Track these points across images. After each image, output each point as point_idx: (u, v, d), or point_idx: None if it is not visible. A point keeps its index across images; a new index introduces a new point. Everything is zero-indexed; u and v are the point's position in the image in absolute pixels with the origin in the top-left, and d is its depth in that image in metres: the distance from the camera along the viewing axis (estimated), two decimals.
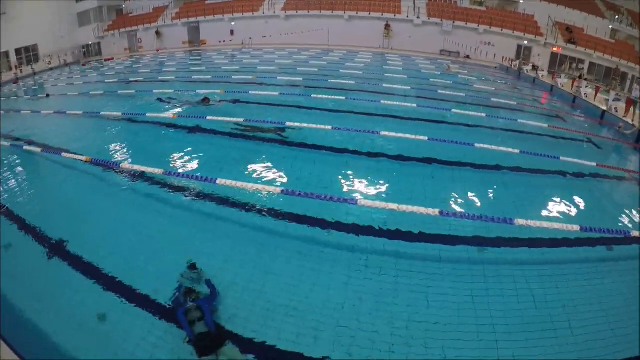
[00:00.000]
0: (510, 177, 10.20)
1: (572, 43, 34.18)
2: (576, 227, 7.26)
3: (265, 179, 9.85)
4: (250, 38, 42.29)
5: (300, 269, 6.62)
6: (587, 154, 12.61)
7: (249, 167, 10.49)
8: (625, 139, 14.58)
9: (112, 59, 43.89)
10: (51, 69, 43.48)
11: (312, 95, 17.77)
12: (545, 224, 7.38)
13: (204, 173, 10.03)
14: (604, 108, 17.22)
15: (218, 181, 8.65)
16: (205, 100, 16.68)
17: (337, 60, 29.32)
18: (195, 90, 19.40)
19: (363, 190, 9.33)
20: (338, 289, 6.16)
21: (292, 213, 8.15)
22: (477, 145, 11.19)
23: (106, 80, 28.84)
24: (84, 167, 10.78)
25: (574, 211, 8.90)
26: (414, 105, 16.24)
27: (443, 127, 13.81)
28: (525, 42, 36.44)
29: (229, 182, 8.62)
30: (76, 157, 11.10)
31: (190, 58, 37.66)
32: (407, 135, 11.79)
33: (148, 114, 15.35)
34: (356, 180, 9.77)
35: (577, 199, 9.37)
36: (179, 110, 16.18)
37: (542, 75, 22.61)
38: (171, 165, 10.86)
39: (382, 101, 16.42)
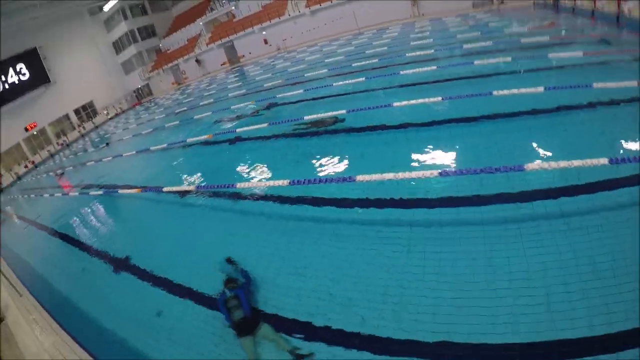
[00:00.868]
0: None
1: None
2: None
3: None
4: (284, 40, 43.59)
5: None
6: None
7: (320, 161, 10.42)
8: None
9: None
10: (110, 118, 47.83)
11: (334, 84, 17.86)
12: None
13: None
14: None
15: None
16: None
17: (365, 42, 29.38)
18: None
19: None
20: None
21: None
22: (495, 93, 10.14)
23: (155, 118, 31.34)
24: (138, 196, 12.23)
25: None
26: (434, 67, 15.53)
27: (459, 84, 12.67)
28: None
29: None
30: (130, 191, 12.59)
31: (229, 76, 39.59)
32: (413, 101, 11.35)
33: (188, 139, 16.76)
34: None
35: None
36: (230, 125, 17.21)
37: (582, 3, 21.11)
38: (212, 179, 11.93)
39: (400, 72, 15.91)
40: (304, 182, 8.67)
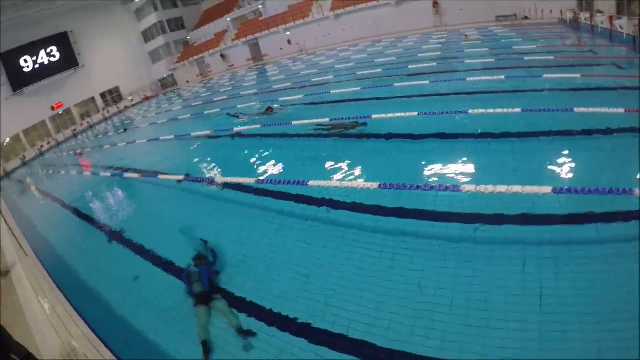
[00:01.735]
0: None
1: None
2: None
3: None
4: (304, 41, 44.98)
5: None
6: None
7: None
8: None
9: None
10: (134, 105, 50.00)
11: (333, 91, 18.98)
12: None
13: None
14: None
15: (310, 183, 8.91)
16: (269, 109, 17.84)
17: (379, 50, 30.27)
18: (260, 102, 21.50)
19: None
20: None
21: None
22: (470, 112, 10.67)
23: (174, 109, 32.99)
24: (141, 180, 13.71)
25: None
26: (429, 81, 15.95)
27: (456, 99, 13.28)
28: None
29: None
30: (133, 175, 14.05)
31: (249, 73, 41.10)
32: (398, 114, 11.88)
33: (192, 133, 18.15)
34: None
35: None
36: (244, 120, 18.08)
37: (602, 22, 21.19)
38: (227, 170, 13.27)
39: (395, 84, 16.54)
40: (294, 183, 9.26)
